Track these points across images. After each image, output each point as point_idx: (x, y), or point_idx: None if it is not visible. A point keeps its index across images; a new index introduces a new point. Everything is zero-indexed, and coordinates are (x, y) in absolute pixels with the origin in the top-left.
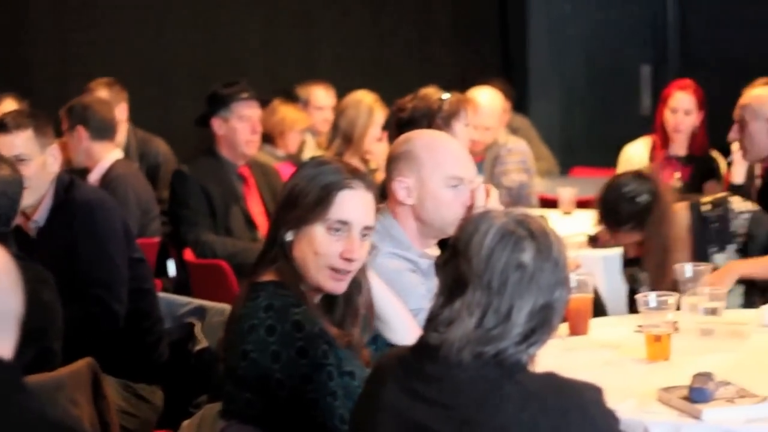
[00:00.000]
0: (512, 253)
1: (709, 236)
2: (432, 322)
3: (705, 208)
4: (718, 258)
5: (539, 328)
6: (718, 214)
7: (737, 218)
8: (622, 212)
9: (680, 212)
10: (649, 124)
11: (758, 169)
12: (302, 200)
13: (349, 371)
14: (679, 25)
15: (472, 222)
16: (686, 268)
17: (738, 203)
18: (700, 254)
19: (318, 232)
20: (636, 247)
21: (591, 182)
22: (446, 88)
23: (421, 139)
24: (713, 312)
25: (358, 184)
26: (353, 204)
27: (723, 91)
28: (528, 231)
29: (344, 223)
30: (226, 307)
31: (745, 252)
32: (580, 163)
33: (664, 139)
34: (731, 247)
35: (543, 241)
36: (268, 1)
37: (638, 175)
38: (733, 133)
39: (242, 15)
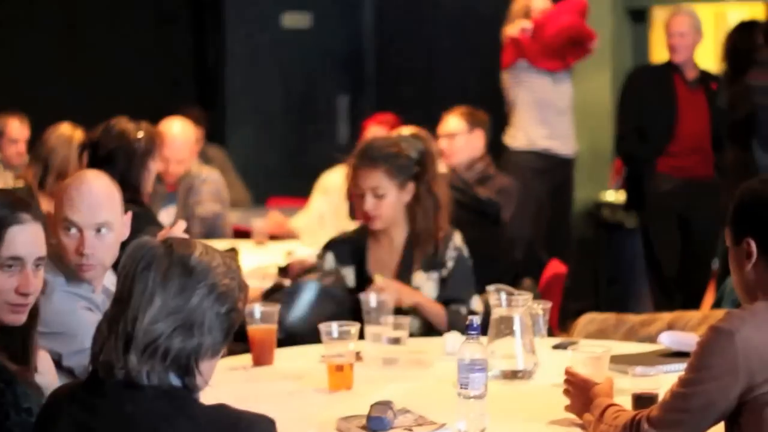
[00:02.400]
0: (162, 280)
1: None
2: (98, 356)
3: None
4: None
5: (192, 354)
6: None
7: (448, 250)
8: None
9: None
10: (347, 153)
11: None
12: None
13: (27, 408)
14: (375, 56)
15: (130, 252)
16: (370, 298)
17: (458, 239)
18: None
19: None
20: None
21: (287, 212)
22: (141, 117)
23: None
24: (396, 341)
25: (26, 216)
26: (23, 238)
27: (419, 120)
28: (176, 258)
29: (16, 258)
30: None
31: (444, 284)
32: (278, 193)
33: None
34: (434, 275)
35: (191, 267)
36: None
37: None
38: None
39: None
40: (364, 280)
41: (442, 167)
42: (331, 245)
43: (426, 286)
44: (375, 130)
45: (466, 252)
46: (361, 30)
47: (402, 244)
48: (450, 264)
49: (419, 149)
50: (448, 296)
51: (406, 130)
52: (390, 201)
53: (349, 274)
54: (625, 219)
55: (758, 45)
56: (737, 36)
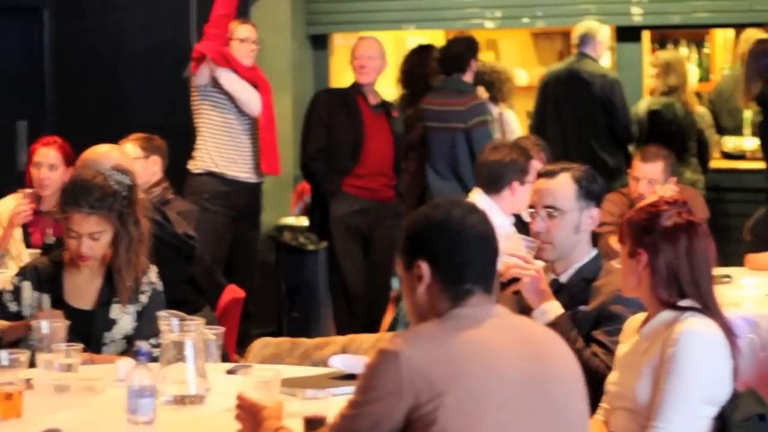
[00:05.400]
0: None
1: None
2: None
3: None
4: None
5: None
6: None
7: (143, 285)
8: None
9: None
10: (25, 179)
11: None
12: None
13: None
14: (56, 81)
15: None
16: (42, 324)
17: (153, 274)
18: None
19: None
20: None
21: None
22: None
23: None
24: (68, 368)
25: None
26: None
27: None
28: None
29: None
30: None
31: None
32: None
33: (34, 196)
34: (130, 309)
35: None
36: None
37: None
38: None
39: None
40: (62, 308)
41: None
42: (25, 273)
43: (123, 319)
44: (43, 153)
45: (160, 287)
46: (41, 54)
47: (101, 274)
48: (144, 299)
49: (127, 184)
50: (143, 332)
51: (102, 149)
52: (106, 240)
53: (45, 302)
54: (307, 242)
55: (433, 69)
56: (414, 60)
